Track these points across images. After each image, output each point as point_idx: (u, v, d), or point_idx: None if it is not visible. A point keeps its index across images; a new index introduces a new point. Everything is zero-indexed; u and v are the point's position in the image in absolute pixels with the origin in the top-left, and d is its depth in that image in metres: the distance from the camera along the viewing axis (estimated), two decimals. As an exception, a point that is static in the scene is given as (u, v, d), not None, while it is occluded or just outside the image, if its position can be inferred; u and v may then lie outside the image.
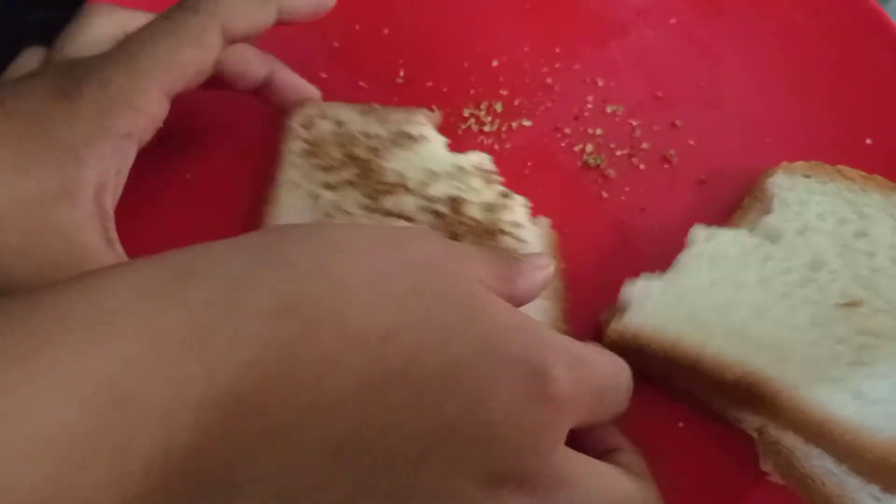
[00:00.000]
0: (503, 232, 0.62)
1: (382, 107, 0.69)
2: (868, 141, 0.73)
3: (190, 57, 0.57)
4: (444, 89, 0.75)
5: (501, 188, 0.65)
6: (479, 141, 0.73)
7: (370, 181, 0.64)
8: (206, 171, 0.71)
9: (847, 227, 0.62)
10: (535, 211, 0.69)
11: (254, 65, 0.66)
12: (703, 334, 0.57)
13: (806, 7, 0.80)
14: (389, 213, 0.63)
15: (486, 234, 0.62)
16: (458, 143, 0.72)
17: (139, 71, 0.55)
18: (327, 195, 0.64)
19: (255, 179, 0.68)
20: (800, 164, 0.66)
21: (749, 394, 0.55)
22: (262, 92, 0.68)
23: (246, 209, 0.67)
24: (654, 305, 0.59)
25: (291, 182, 0.65)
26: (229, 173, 0.70)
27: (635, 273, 0.66)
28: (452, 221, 0.62)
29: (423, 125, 0.68)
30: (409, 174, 0.65)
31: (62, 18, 0.60)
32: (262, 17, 0.61)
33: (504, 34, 0.78)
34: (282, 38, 0.76)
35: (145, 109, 0.56)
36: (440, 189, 0.64)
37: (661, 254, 0.65)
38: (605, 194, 0.71)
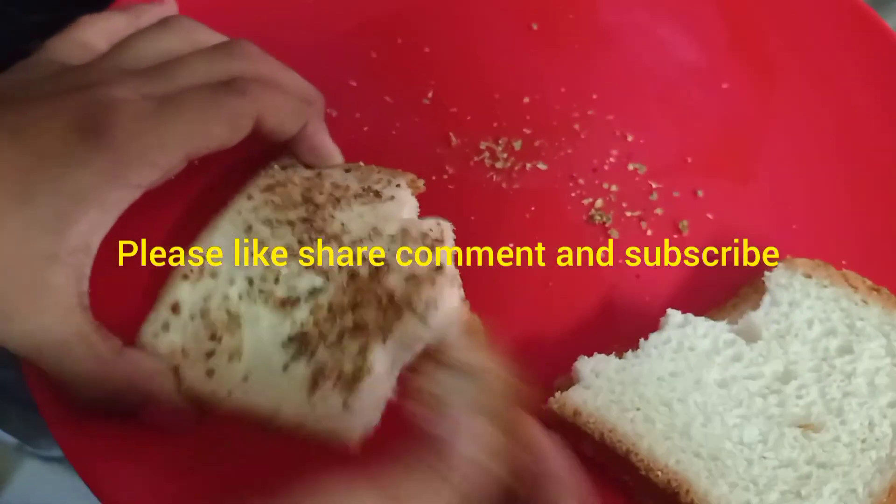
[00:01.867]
0: (413, 311, 0.56)
1: (367, 166, 0.67)
2: (902, 249, 0.68)
3: (221, 133, 0.58)
4: (468, 117, 0.74)
5: (439, 261, 0.58)
6: (487, 176, 0.71)
7: (310, 227, 0.61)
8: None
9: (833, 339, 0.58)
10: (524, 259, 0.67)
11: (287, 124, 0.61)
12: (644, 427, 0.54)
13: (871, 94, 0.74)
14: (305, 265, 0.59)
15: (392, 308, 0.56)
16: (467, 175, 0.71)
17: (169, 132, 0.55)
18: (262, 232, 0.61)
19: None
20: (803, 260, 0.62)
21: (675, 498, 0.52)
22: (287, 145, 0.65)
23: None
24: (602, 386, 0.56)
25: (237, 212, 0.63)
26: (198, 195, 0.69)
27: (611, 343, 0.64)
28: (364, 288, 0.58)
29: (401, 188, 0.64)
30: (352, 228, 0.61)
31: (61, 20, 0.62)
32: (291, 123, 0.62)
33: (543, 71, 0.76)
34: (321, 40, 0.77)
35: (164, 167, 0.56)
36: (373, 250, 0.60)
37: (643, 327, 0.63)
38: (603, 253, 0.68)
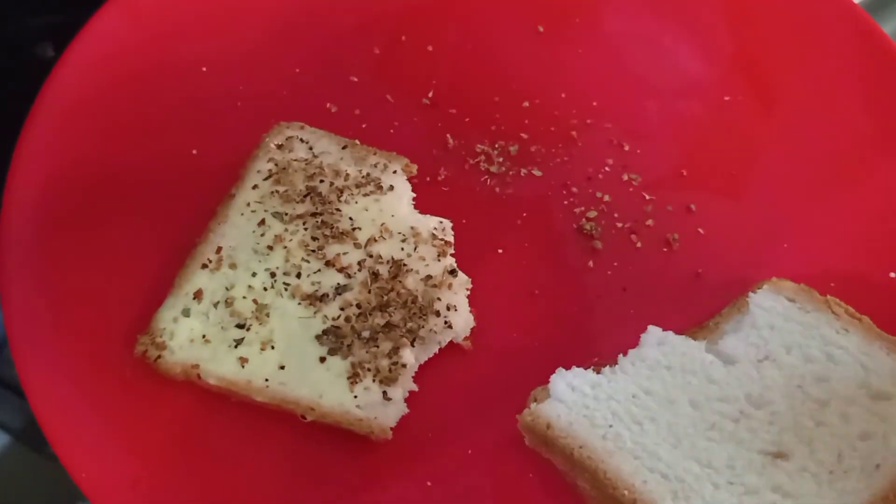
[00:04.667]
0: (436, 313, 0.61)
1: (363, 145, 0.69)
2: (892, 275, 0.68)
3: None
4: (466, 119, 0.74)
5: (450, 264, 0.64)
6: (482, 180, 0.71)
7: (322, 223, 0.64)
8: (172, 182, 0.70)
9: (810, 366, 0.58)
10: (512, 266, 0.67)
11: None
12: (614, 445, 0.55)
13: (872, 116, 0.74)
14: (328, 262, 0.63)
15: (419, 312, 0.61)
16: (461, 178, 0.71)
17: None
18: (276, 226, 0.64)
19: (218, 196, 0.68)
20: (788, 284, 0.62)
21: (640, 518, 0.53)
22: None
23: (201, 223, 0.67)
24: (577, 400, 0.57)
25: (246, 203, 0.65)
26: (196, 187, 0.69)
27: (591, 355, 0.64)
28: (387, 287, 0.62)
29: (397, 175, 0.67)
30: (362, 225, 0.64)
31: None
32: None
33: (545, 76, 0.76)
34: (324, 33, 0.77)
35: None
36: (387, 249, 0.64)
37: (625, 340, 0.63)
38: (591, 264, 0.68)
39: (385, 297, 0.61)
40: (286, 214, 0.64)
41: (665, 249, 0.69)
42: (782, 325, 0.59)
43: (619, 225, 0.70)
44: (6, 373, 0.72)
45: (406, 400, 0.60)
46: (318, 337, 0.60)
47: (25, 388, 0.60)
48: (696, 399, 0.56)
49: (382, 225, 0.64)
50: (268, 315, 0.61)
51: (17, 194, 0.66)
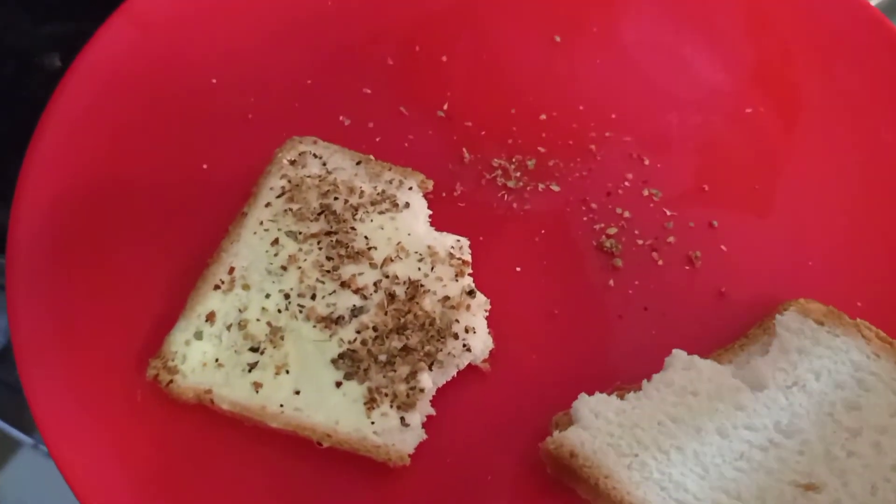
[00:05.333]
0: (454, 336, 0.60)
1: (378, 161, 0.67)
2: (921, 294, 0.66)
3: None
4: (482, 132, 0.72)
5: (468, 284, 0.62)
6: (499, 195, 0.70)
7: (337, 243, 0.62)
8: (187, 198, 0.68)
9: (841, 393, 0.56)
10: (530, 285, 0.66)
11: None
12: (638, 476, 0.53)
13: (897, 125, 0.72)
14: (344, 283, 0.61)
15: (436, 334, 0.60)
16: (478, 194, 0.70)
17: None
18: (289, 246, 0.63)
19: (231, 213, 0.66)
20: (816, 306, 0.60)
21: (668, 551, 0.51)
22: None
23: (213, 241, 0.65)
24: (601, 428, 0.55)
25: (258, 221, 0.64)
26: (210, 204, 0.68)
27: (613, 378, 0.63)
28: (404, 309, 0.60)
29: (413, 192, 0.66)
30: (378, 244, 0.63)
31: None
32: None
33: (563, 87, 0.75)
34: (336, 44, 0.75)
35: None
36: (404, 269, 0.62)
37: (647, 363, 0.62)
38: (611, 283, 0.67)
39: (402, 320, 0.60)
40: (300, 233, 0.63)
41: (687, 267, 0.67)
42: (811, 349, 0.58)
43: (640, 242, 0.68)
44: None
45: (424, 425, 0.59)
46: (333, 361, 0.59)
47: (34, 412, 0.59)
48: (723, 427, 0.55)
49: (398, 244, 0.63)
50: (282, 338, 0.60)
51: (25, 213, 0.65)
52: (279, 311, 0.60)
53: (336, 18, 0.77)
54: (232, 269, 0.62)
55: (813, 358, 0.57)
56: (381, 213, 0.64)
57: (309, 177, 0.65)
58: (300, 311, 0.60)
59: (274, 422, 0.57)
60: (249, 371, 0.58)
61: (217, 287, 0.61)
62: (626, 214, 0.69)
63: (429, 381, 0.59)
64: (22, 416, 0.80)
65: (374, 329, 0.60)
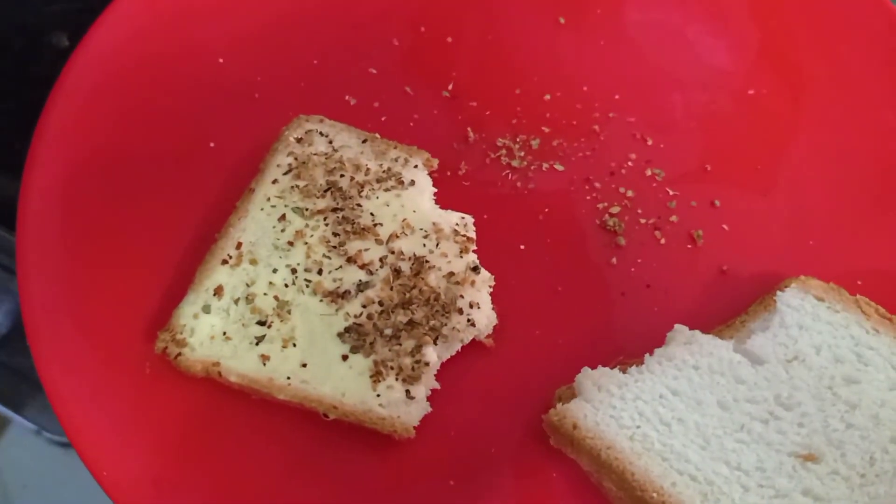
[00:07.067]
0: (459, 311, 0.61)
1: (383, 139, 0.68)
2: (921, 272, 0.67)
3: None
4: (487, 112, 0.73)
5: (473, 260, 0.63)
6: (503, 174, 0.70)
7: (343, 219, 0.63)
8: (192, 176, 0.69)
9: (840, 367, 0.57)
10: (534, 263, 0.67)
11: None
12: (641, 446, 0.54)
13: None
14: (350, 259, 0.62)
15: (441, 309, 0.60)
16: (483, 173, 0.70)
17: None
18: (296, 222, 0.63)
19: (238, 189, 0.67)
20: (816, 282, 0.61)
21: (669, 521, 0.52)
22: None
23: (221, 217, 0.66)
24: (603, 400, 0.56)
25: (266, 198, 0.64)
26: (214, 180, 0.69)
27: (616, 353, 0.63)
28: (409, 284, 0.61)
29: (418, 169, 0.66)
30: (383, 220, 0.64)
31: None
32: None
33: (567, 68, 0.75)
34: (342, 24, 0.76)
35: None
36: (409, 246, 0.63)
37: (650, 338, 0.62)
38: (614, 260, 0.67)
39: (407, 295, 0.61)
40: (307, 210, 0.64)
41: (689, 246, 0.68)
42: (811, 325, 0.58)
43: (643, 221, 0.69)
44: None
45: (429, 398, 0.59)
46: (340, 334, 0.60)
47: (45, 384, 0.60)
48: (724, 400, 0.56)
49: (404, 221, 0.64)
50: (289, 312, 0.60)
51: (35, 189, 0.66)
52: (286, 285, 0.61)
53: (341, -1, 0.77)
54: (239, 244, 0.62)
55: (813, 333, 0.58)
56: (386, 190, 0.65)
57: (315, 154, 0.66)
58: (307, 286, 0.61)
59: (281, 394, 0.58)
60: (257, 344, 0.59)
61: (225, 262, 0.62)
62: (630, 194, 0.70)
63: (433, 355, 0.59)
64: (13, 395, 0.81)
65: (380, 304, 0.61)
